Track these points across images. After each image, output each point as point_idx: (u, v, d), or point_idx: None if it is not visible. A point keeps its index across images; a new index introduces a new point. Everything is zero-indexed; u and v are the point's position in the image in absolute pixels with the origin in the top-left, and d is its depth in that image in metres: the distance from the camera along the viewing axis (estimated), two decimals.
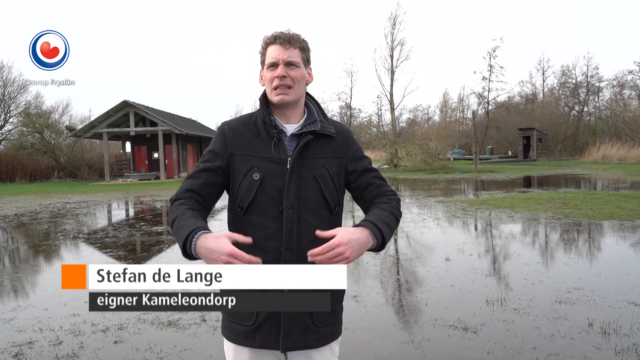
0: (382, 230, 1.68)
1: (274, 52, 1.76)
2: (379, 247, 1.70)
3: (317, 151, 1.81)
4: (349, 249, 1.57)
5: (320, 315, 1.80)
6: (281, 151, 1.77)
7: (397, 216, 1.81)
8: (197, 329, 4.44)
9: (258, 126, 1.82)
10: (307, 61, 1.83)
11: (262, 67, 1.84)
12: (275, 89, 1.77)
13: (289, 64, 1.76)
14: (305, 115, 1.87)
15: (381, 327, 4.43)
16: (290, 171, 1.75)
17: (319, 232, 1.63)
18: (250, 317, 1.76)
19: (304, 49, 1.81)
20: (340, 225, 1.88)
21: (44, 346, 4.15)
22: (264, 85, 1.85)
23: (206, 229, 1.61)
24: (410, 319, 4.68)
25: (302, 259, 1.72)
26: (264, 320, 1.75)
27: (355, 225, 1.67)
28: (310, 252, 1.57)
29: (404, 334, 4.26)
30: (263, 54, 1.82)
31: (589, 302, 4.93)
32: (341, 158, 1.86)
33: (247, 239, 1.60)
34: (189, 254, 1.60)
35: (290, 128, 1.82)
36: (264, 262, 1.66)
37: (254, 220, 1.76)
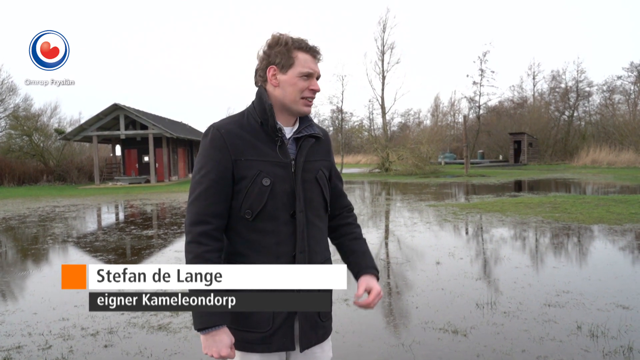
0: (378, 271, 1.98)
1: (311, 63, 1.77)
2: None
3: (313, 154, 1.85)
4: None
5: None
6: (286, 154, 1.77)
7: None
8: (188, 333, 4.43)
9: (255, 128, 1.78)
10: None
11: (284, 69, 1.76)
12: (305, 98, 1.78)
13: (318, 78, 1.81)
14: (298, 119, 1.89)
15: (371, 331, 4.43)
16: (297, 174, 1.78)
17: (357, 303, 1.86)
18: (267, 323, 1.74)
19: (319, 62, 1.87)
20: (328, 225, 2.00)
21: (33, 350, 4.11)
22: (276, 86, 1.78)
23: (225, 321, 1.68)
24: (400, 322, 4.69)
25: (312, 260, 1.80)
26: (280, 325, 1.75)
27: (364, 274, 1.91)
28: (361, 304, 1.83)
29: (394, 337, 4.27)
30: (288, 56, 1.75)
31: (577, 305, 4.97)
32: (328, 161, 1.95)
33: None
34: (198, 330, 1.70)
35: (287, 130, 1.84)
36: None
37: (265, 226, 1.74)
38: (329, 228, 2.02)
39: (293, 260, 1.75)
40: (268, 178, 1.71)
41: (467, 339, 4.14)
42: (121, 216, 14.97)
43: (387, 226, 11.03)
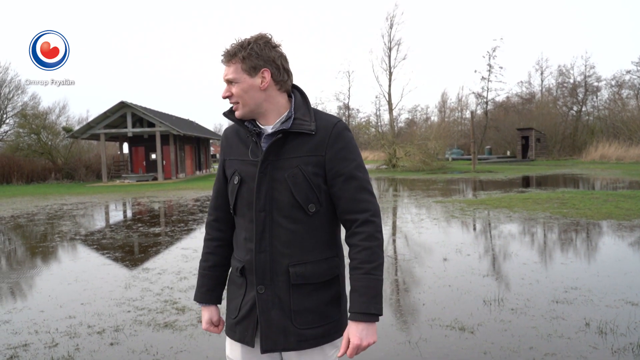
0: (378, 307, 1.69)
1: (224, 73, 1.77)
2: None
3: (292, 150, 1.73)
4: (364, 341, 1.66)
5: (301, 317, 1.74)
6: (255, 153, 1.77)
7: (378, 269, 1.71)
8: (194, 331, 4.42)
9: (246, 131, 1.85)
10: (253, 69, 1.70)
11: None
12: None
13: (229, 82, 1.75)
14: (285, 114, 1.78)
15: (378, 328, 4.38)
16: (260, 173, 1.73)
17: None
18: (235, 310, 1.84)
19: (245, 58, 1.70)
20: (321, 227, 1.78)
21: (39, 348, 4.12)
22: None
23: (205, 301, 1.95)
24: (407, 319, 4.67)
25: (275, 261, 1.74)
26: (244, 316, 1.80)
27: (356, 319, 1.67)
28: (340, 356, 1.75)
29: (401, 334, 4.25)
30: None
31: (586, 301, 4.92)
32: (319, 156, 1.73)
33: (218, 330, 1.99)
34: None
35: (269, 129, 1.78)
36: (245, 262, 1.79)
37: (239, 221, 1.86)
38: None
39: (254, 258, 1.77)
40: (238, 176, 1.80)
41: (474, 336, 4.11)
42: (129, 214, 15.02)
43: (394, 222, 10.99)
